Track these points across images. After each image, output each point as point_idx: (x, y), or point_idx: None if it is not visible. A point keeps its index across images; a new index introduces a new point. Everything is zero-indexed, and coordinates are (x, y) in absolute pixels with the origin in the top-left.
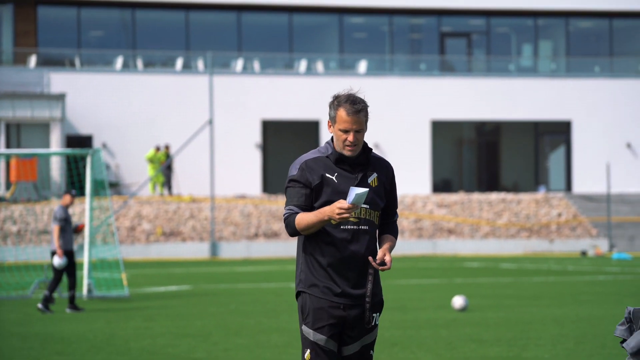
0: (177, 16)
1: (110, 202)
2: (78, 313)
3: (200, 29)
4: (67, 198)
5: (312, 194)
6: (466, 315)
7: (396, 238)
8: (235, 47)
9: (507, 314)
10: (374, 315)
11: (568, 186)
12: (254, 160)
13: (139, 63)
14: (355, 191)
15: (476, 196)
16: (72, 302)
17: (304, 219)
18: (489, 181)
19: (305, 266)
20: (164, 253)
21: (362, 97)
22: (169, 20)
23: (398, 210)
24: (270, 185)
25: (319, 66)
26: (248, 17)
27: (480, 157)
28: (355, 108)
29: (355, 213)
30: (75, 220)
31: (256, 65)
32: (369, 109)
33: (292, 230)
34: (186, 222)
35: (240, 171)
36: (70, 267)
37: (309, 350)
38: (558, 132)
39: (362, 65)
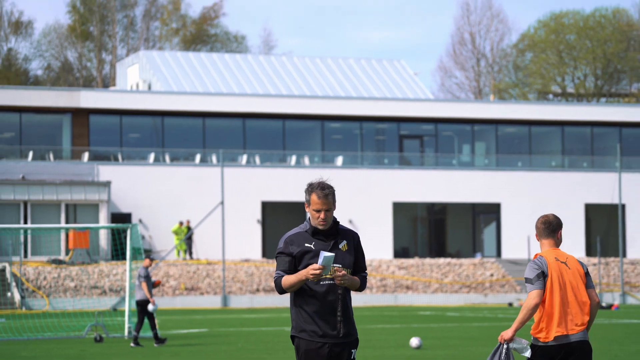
0: (196, 122)
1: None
2: (161, 346)
3: (214, 131)
4: (147, 261)
5: (294, 260)
6: (421, 353)
7: (361, 285)
8: (241, 146)
9: (452, 351)
10: (352, 350)
11: (498, 253)
12: (256, 232)
13: (167, 158)
14: (324, 254)
15: (428, 260)
16: (157, 338)
17: (288, 280)
18: (438, 249)
19: (295, 315)
20: (186, 303)
21: (330, 184)
22: (190, 125)
23: (367, 271)
24: (268, 251)
25: (306, 160)
26: (251, 123)
27: (430, 230)
28: (324, 193)
29: (331, 272)
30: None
31: (257, 159)
32: (335, 193)
33: (279, 289)
34: (203, 280)
35: (245, 240)
36: (147, 313)
37: None
38: (490, 212)
39: (339, 160)
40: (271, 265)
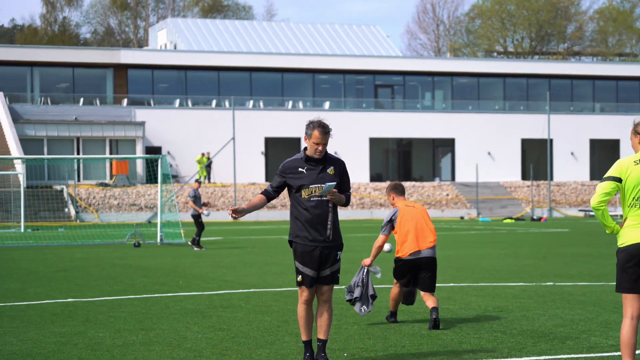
0: (212, 75)
1: (172, 187)
2: (201, 250)
3: (226, 82)
4: (196, 184)
5: (284, 182)
6: (391, 255)
7: (346, 200)
8: (249, 93)
9: None
10: (338, 252)
11: (453, 177)
12: (260, 162)
13: (189, 103)
14: (327, 184)
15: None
16: (198, 244)
17: (254, 199)
18: (405, 174)
19: (292, 224)
20: (206, 217)
21: (328, 124)
22: (208, 77)
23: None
24: (270, 176)
25: (300, 104)
26: (256, 75)
27: (399, 160)
28: (325, 131)
29: (318, 190)
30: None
31: (261, 103)
32: (331, 132)
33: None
34: (219, 199)
35: (252, 168)
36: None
37: (300, 276)
38: (447, 145)
39: (327, 104)
40: None
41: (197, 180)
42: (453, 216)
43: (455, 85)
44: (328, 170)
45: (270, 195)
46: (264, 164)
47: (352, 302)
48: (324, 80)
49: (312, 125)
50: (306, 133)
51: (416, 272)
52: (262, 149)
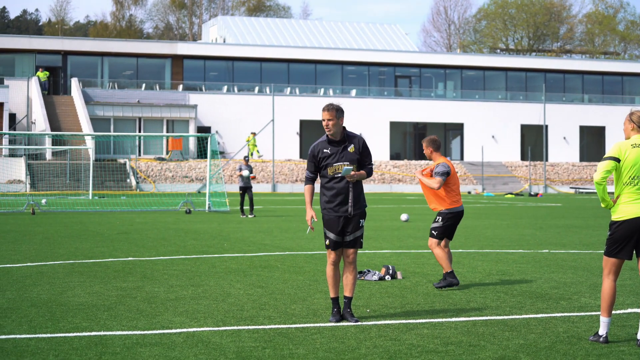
0: (255, 65)
1: (219, 162)
2: (253, 217)
3: (267, 71)
4: (244, 160)
5: (316, 162)
6: (408, 224)
7: (368, 173)
8: (286, 81)
9: (429, 223)
10: (361, 220)
11: (462, 157)
12: (295, 141)
13: (235, 89)
14: (345, 168)
15: (413, 162)
16: (252, 212)
17: (305, 193)
18: (420, 154)
19: (321, 195)
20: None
21: (336, 104)
22: (251, 67)
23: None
24: (303, 153)
25: (330, 92)
26: (293, 66)
27: (415, 141)
28: (327, 107)
29: (341, 167)
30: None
31: (297, 90)
32: (341, 111)
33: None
34: (259, 173)
35: (288, 146)
36: (250, 192)
37: (327, 240)
38: (457, 129)
39: (353, 92)
40: (304, 164)
41: (244, 158)
42: (461, 191)
43: (464, 77)
44: (349, 149)
45: (313, 180)
46: (298, 143)
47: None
48: (351, 71)
49: (323, 108)
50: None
51: (455, 224)
52: (297, 130)
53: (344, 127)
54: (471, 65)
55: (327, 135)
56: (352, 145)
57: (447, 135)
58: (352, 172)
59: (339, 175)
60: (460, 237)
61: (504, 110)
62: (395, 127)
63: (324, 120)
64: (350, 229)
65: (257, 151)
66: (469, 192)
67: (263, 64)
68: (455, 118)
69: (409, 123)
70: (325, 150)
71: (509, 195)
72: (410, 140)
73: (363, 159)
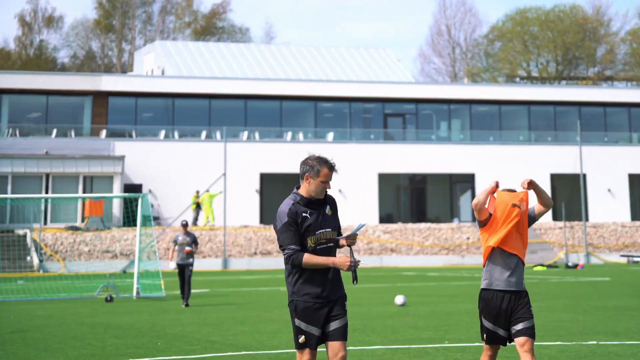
0: (203, 103)
1: (153, 231)
2: (185, 307)
3: (218, 111)
4: (182, 228)
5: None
6: (405, 309)
7: None
8: (243, 123)
9: (433, 308)
10: (345, 303)
11: (473, 218)
12: (254, 201)
13: (176, 134)
14: (362, 224)
15: (410, 225)
16: (186, 300)
17: (312, 260)
18: (419, 215)
19: (292, 281)
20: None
21: (312, 153)
22: (197, 105)
23: (348, 231)
24: (265, 218)
25: (300, 136)
26: (252, 103)
27: (412, 198)
28: (334, 168)
29: (325, 235)
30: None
31: (257, 135)
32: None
33: (297, 264)
34: (206, 244)
35: (244, 208)
36: (188, 272)
37: (304, 336)
38: (466, 181)
39: (330, 136)
40: (267, 231)
41: (182, 224)
42: (475, 263)
43: (473, 113)
44: (326, 211)
45: (304, 251)
46: (258, 203)
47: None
48: (327, 108)
49: (322, 162)
50: (308, 171)
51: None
52: (257, 186)
53: None
54: (483, 98)
55: (298, 196)
56: (329, 207)
57: (454, 190)
58: (343, 240)
59: (322, 246)
60: (477, 325)
61: (527, 155)
62: (385, 180)
63: (325, 181)
64: (335, 313)
65: (212, 215)
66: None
67: (213, 101)
68: (464, 167)
69: (403, 175)
70: (304, 215)
71: (540, 268)
72: (406, 197)
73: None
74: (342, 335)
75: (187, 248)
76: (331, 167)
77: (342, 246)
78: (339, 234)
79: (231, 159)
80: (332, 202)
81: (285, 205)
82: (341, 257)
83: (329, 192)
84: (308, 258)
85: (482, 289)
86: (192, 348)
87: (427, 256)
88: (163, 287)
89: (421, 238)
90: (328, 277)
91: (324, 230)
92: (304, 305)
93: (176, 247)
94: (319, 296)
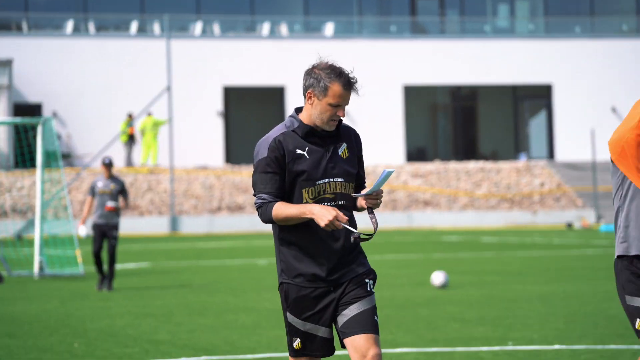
0: None
1: (62, 175)
2: (108, 292)
3: None
4: (104, 168)
5: (285, 175)
6: (446, 293)
7: None
8: (194, 10)
9: (490, 291)
10: (367, 281)
11: (550, 154)
12: (216, 129)
13: (91, 27)
14: (387, 171)
15: (453, 165)
16: (109, 281)
17: (282, 210)
18: (466, 149)
19: (282, 256)
20: (121, 228)
21: (352, 74)
22: None
23: (369, 181)
24: (233, 155)
25: (283, 29)
26: None
27: (456, 123)
28: (351, 83)
29: (331, 188)
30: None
31: (216, 28)
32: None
33: (267, 220)
34: (144, 195)
35: (201, 141)
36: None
37: (297, 338)
38: (538, 96)
39: (329, 28)
40: (237, 174)
41: (104, 163)
42: (553, 222)
43: None
44: (340, 151)
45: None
46: (222, 132)
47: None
48: None
49: (332, 73)
50: (312, 86)
51: None
52: (220, 106)
53: None
54: None
55: (296, 121)
56: (346, 146)
57: (520, 109)
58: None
59: (329, 203)
60: (556, 319)
61: (633, 53)
62: (414, 96)
63: (335, 104)
64: (350, 297)
65: (155, 151)
66: (569, 225)
67: None
68: (536, 75)
69: (441, 88)
70: (299, 151)
71: None
72: (446, 121)
73: (358, 171)
74: (367, 324)
75: (110, 203)
76: (347, 84)
77: (362, 209)
78: (358, 189)
79: (178, 65)
80: (351, 138)
81: (273, 133)
82: (322, 208)
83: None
84: (278, 208)
85: (628, 257)
86: (125, 351)
87: (479, 212)
88: (80, 260)
89: (470, 184)
90: (334, 246)
91: (329, 180)
92: (298, 293)
93: (94, 200)
94: (319, 277)
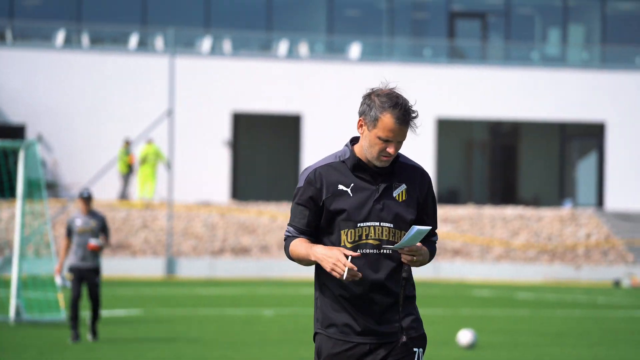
0: None
1: (46, 207)
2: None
3: (159, 1)
4: (81, 203)
5: (321, 211)
6: (474, 354)
7: (430, 256)
8: (202, 23)
9: (523, 353)
10: (416, 350)
11: (600, 201)
12: (222, 161)
13: (85, 39)
14: (416, 229)
15: (488, 210)
16: (92, 329)
17: (296, 249)
18: (504, 192)
19: (320, 303)
20: (111, 270)
21: (410, 101)
22: None
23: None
24: (240, 190)
25: (303, 48)
26: None
27: (494, 163)
28: (406, 117)
29: (376, 233)
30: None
31: (227, 45)
32: (417, 117)
33: (287, 255)
34: (137, 233)
35: (205, 173)
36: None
37: None
38: (589, 136)
39: (355, 49)
40: (243, 213)
41: (82, 196)
42: (598, 278)
43: (610, 14)
44: (396, 194)
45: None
46: (229, 164)
47: None
48: (350, 1)
49: (383, 102)
50: (366, 113)
51: None
52: (227, 134)
53: None
54: None
55: (349, 150)
56: (404, 188)
57: (568, 148)
58: (422, 250)
59: (371, 250)
60: None
61: None
62: (448, 129)
63: (386, 138)
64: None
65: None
66: (617, 283)
67: None
68: (588, 111)
69: (478, 123)
70: (341, 187)
71: None
72: (483, 160)
73: (424, 220)
74: None
75: (94, 241)
76: (401, 117)
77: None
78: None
79: (183, 86)
80: (415, 180)
81: (320, 162)
82: (324, 249)
83: (414, 158)
84: (294, 246)
85: None
86: None
87: (515, 264)
88: (62, 305)
89: (507, 233)
90: (370, 295)
91: (375, 223)
92: (332, 349)
93: (71, 241)
94: (353, 330)
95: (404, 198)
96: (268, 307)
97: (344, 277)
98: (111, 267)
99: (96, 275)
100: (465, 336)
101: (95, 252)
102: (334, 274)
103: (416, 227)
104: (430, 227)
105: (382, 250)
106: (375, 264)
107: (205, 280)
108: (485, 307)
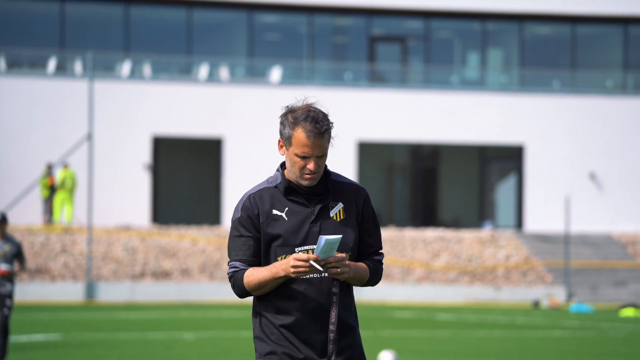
0: (50, 7)
1: None
2: None
3: (78, 23)
4: None
5: (259, 238)
6: None
7: (373, 276)
8: (122, 47)
9: None
10: None
11: (519, 223)
12: (142, 185)
13: (1, 63)
14: (324, 239)
15: (409, 232)
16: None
17: (254, 276)
18: (425, 215)
19: (259, 326)
20: (30, 294)
21: (324, 112)
22: (41, 12)
23: None
24: (161, 214)
25: (223, 72)
26: (138, 12)
27: (414, 185)
28: (317, 129)
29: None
30: None
31: (147, 69)
32: (332, 128)
33: (240, 292)
34: (56, 258)
35: (125, 197)
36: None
37: None
38: (508, 158)
39: (275, 73)
40: (164, 237)
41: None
42: (518, 299)
43: (528, 39)
44: (333, 213)
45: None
46: (149, 188)
47: None
48: (270, 25)
49: (294, 118)
50: (281, 133)
51: None
52: (147, 158)
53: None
54: (545, 11)
55: (280, 175)
56: (342, 206)
57: (486, 171)
58: (342, 256)
59: (314, 274)
60: None
61: (618, 113)
62: (369, 153)
63: (303, 155)
64: None
65: (69, 208)
66: (536, 304)
67: (68, 5)
68: (506, 134)
69: (399, 146)
70: (276, 212)
71: (630, 311)
72: (403, 184)
73: (365, 239)
74: None
75: (4, 266)
76: (313, 130)
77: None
78: (359, 256)
79: (102, 110)
80: (351, 197)
81: (252, 189)
82: (284, 260)
83: (352, 175)
84: (249, 275)
85: None
86: None
87: (435, 285)
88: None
89: (428, 254)
90: (310, 310)
91: (312, 246)
92: None
93: None
94: (292, 356)
95: (342, 217)
96: (189, 330)
97: (305, 272)
98: (30, 291)
99: (8, 300)
100: (386, 357)
101: (6, 278)
102: (295, 273)
103: (324, 237)
104: (340, 236)
105: (322, 274)
106: (318, 288)
107: (125, 305)
108: (406, 329)
